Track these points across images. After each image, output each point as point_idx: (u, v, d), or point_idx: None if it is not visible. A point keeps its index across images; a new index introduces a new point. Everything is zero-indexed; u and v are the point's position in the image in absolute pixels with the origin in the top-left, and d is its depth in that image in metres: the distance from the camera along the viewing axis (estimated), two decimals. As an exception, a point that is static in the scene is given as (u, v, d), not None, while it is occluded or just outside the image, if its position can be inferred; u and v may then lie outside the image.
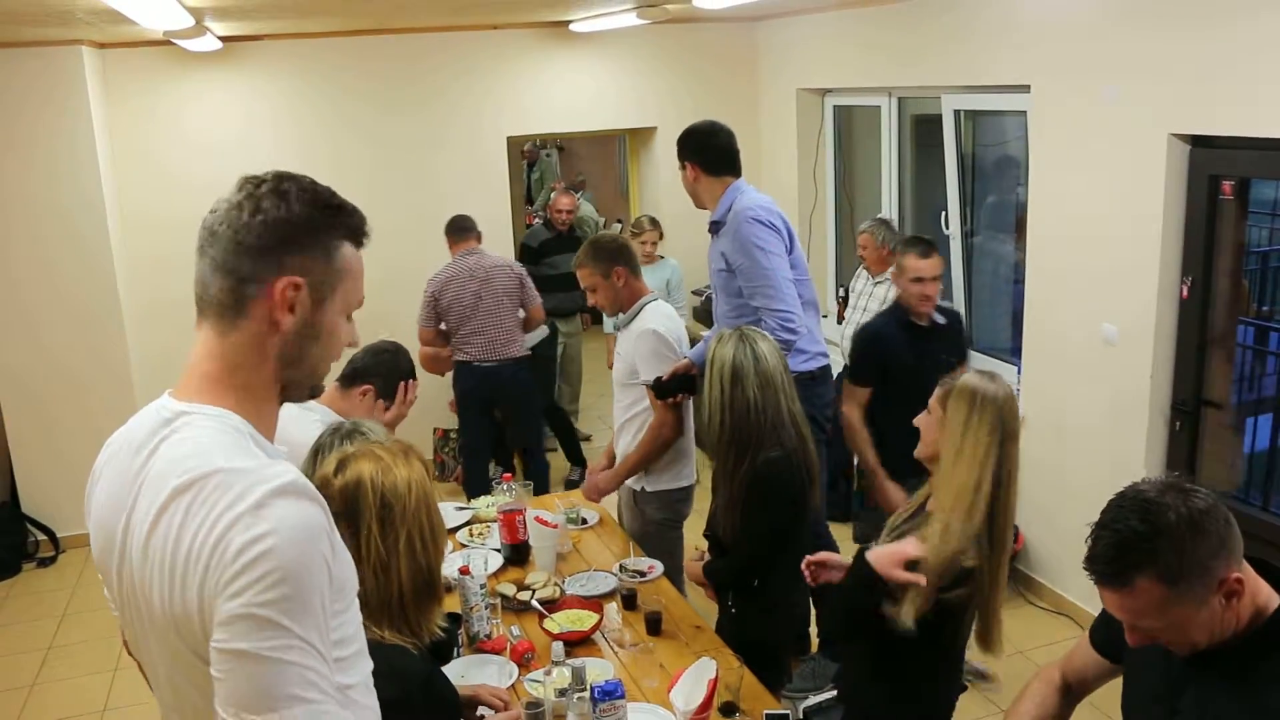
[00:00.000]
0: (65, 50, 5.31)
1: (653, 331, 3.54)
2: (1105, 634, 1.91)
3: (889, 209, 6.01)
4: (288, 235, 1.33)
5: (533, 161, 11.34)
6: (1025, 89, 4.50)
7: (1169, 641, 1.64)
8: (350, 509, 1.86)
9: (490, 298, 5.33)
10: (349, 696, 1.32)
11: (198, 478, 1.25)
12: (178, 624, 1.27)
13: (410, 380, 3.19)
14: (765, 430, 2.90)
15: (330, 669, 1.25)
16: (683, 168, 3.91)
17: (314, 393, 1.45)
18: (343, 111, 6.18)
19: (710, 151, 3.84)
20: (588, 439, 7.05)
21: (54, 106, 5.40)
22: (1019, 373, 4.84)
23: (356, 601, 1.37)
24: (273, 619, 1.19)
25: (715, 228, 3.84)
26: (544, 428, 6.14)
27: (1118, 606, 1.60)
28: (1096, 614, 1.99)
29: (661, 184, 6.87)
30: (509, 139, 6.60)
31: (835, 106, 6.41)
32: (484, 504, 3.87)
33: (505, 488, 3.41)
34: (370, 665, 1.42)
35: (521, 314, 5.49)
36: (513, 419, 5.74)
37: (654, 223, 6.22)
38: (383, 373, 3.14)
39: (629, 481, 3.77)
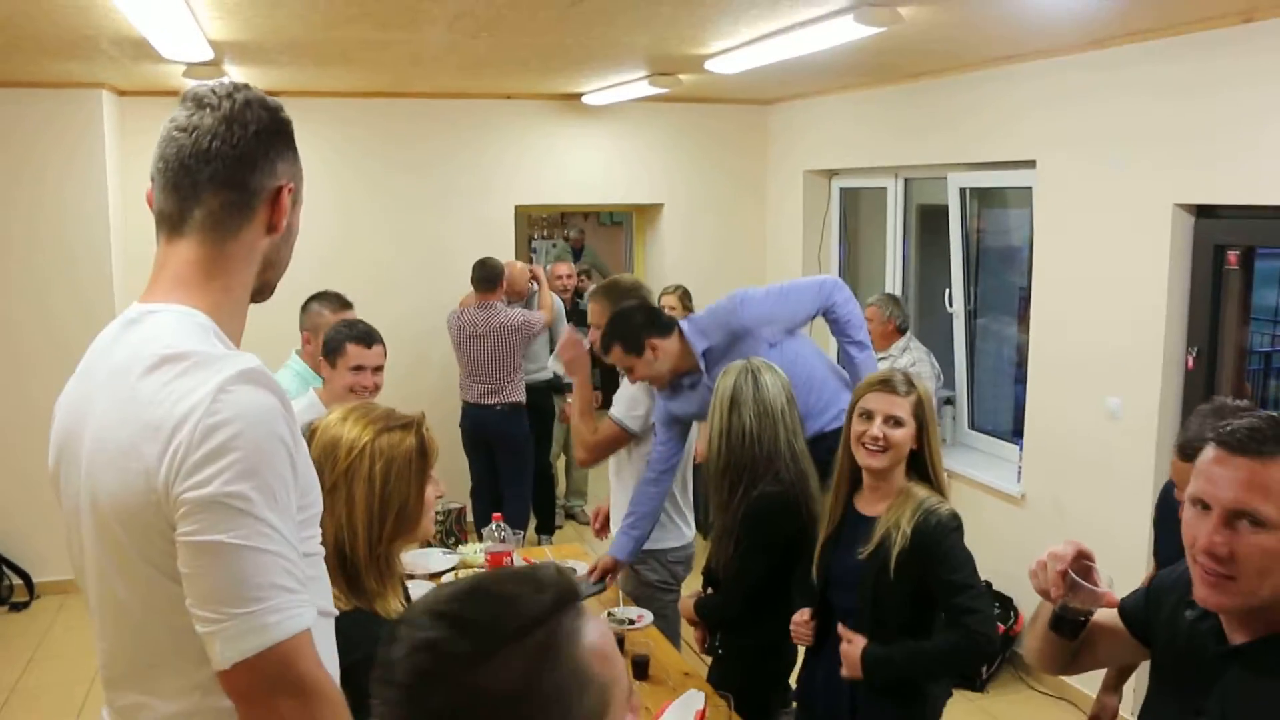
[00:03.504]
0: (86, 93, 5.41)
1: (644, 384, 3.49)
2: (1143, 608, 1.79)
3: (893, 290, 6.01)
4: (276, 142, 1.37)
5: (579, 249, 11.14)
6: (1030, 164, 4.56)
7: (1240, 574, 1.51)
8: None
9: (492, 350, 5.69)
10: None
11: (158, 361, 1.24)
12: (125, 516, 1.23)
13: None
14: (760, 460, 2.86)
15: (302, 560, 1.22)
16: (639, 352, 3.36)
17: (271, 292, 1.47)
18: (355, 171, 6.25)
19: (641, 319, 3.41)
20: (571, 513, 6.98)
21: (69, 149, 5.47)
22: (1020, 453, 4.82)
23: (319, 527, 1.34)
24: (243, 508, 1.16)
25: (706, 358, 3.46)
26: (529, 474, 6.09)
27: (1243, 482, 1.49)
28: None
29: (667, 263, 6.93)
30: (517, 208, 6.67)
31: (842, 189, 6.50)
32: (471, 550, 3.79)
33: (495, 527, 3.36)
34: (329, 602, 1.37)
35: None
36: (499, 460, 5.95)
37: (685, 295, 5.81)
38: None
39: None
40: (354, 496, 1.87)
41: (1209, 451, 1.55)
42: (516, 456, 5.93)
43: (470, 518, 6.14)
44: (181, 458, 1.18)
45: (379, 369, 3.29)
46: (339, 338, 3.29)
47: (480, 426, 5.83)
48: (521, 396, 5.86)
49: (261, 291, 1.43)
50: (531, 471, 6.11)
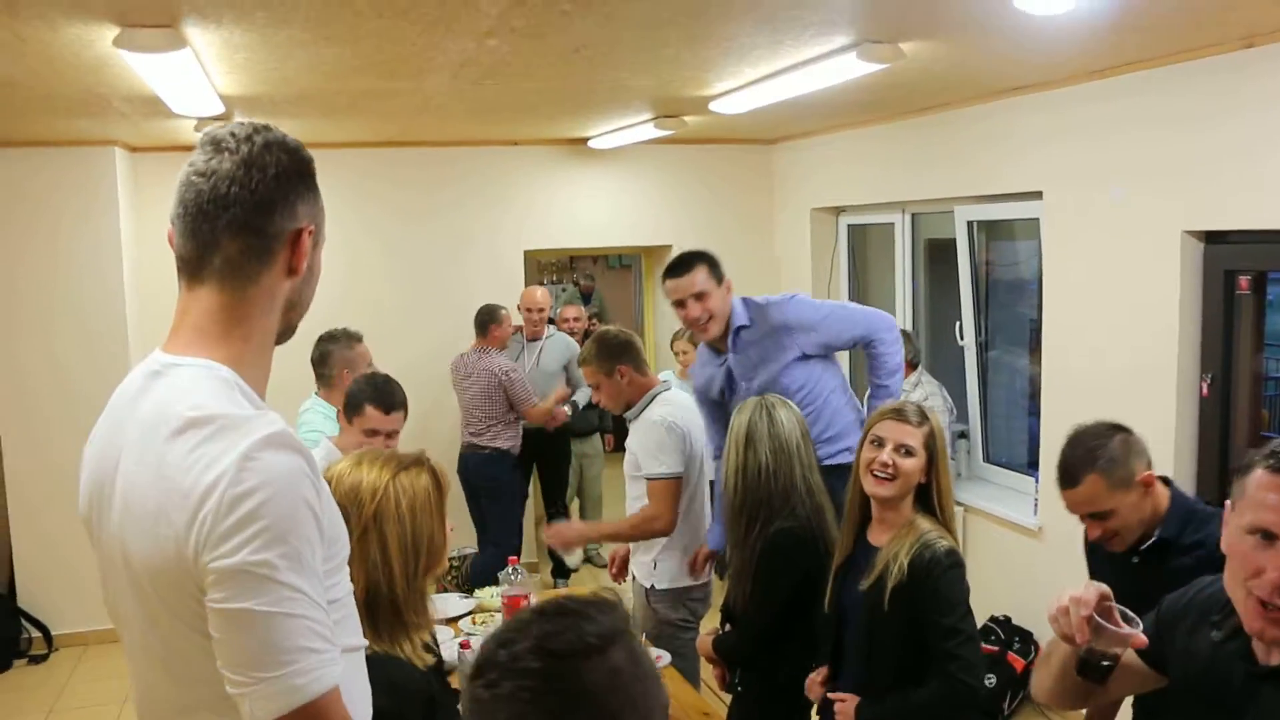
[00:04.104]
0: (99, 151, 5.48)
1: (656, 424, 3.50)
2: (1155, 636, 1.74)
3: (903, 325, 5.98)
4: (296, 184, 1.36)
5: (588, 294, 11.19)
6: (1037, 195, 4.56)
7: None
8: None
9: (478, 393, 5.80)
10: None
11: (183, 425, 1.25)
12: (155, 576, 1.24)
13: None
14: (777, 496, 2.88)
15: (329, 617, 1.24)
16: (719, 281, 3.63)
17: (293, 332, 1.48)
18: (364, 221, 6.29)
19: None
20: (589, 556, 6.91)
21: (82, 206, 5.52)
22: (1036, 485, 4.77)
23: (347, 567, 1.36)
24: (270, 575, 1.18)
25: (737, 339, 3.65)
26: (510, 525, 6.03)
27: None
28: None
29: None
30: (526, 253, 6.71)
31: (849, 225, 6.50)
32: (488, 594, 3.78)
33: (511, 571, 3.36)
34: (359, 639, 1.39)
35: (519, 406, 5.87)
36: (483, 505, 5.97)
37: (688, 335, 6.02)
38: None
39: (639, 577, 3.67)
40: (386, 536, 1.91)
41: (1262, 476, 1.48)
42: (496, 504, 5.91)
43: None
44: (210, 527, 1.19)
45: (393, 434, 3.25)
46: (360, 396, 3.26)
47: (465, 469, 5.88)
48: (509, 443, 5.84)
49: (285, 333, 1.43)
50: (514, 523, 6.04)
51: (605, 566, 5.55)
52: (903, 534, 2.49)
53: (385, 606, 1.90)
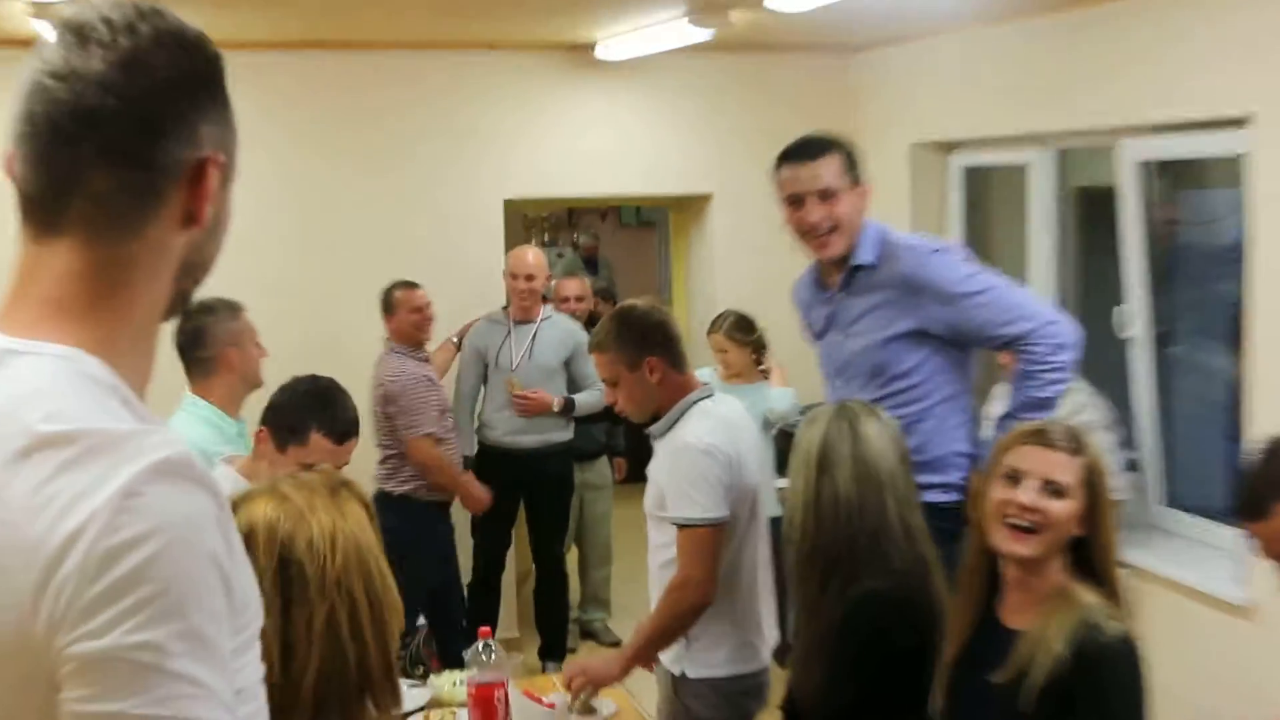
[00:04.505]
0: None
1: (691, 447, 3.46)
2: None
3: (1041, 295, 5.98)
4: (197, 95, 1.34)
5: (593, 261, 11.46)
6: (1243, 123, 4.47)
7: None
8: None
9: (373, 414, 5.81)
10: None
11: (33, 443, 1.20)
12: None
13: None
14: (861, 542, 2.88)
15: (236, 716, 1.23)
16: (858, 183, 3.68)
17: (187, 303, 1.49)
18: (275, 152, 6.13)
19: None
20: (590, 629, 7.05)
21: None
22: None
23: (258, 643, 1.33)
24: (156, 663, 1.14)
25: (851, 278, 3.67)
26: (449, 592, 6.01)
27: None
28: None
29: (717, 278, 6.89)
30: (508, 203, 6.67)
31: (965, 168, 6.44)
32: (447, 681, 3.78)
33: (481, 647, 3.30)
34: None
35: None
36: None
37: (740, 324, 5.97)
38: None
39: (665, 659, 3.62)
40: (355, 598, 1.91)
41: None
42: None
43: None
44: (70, 597, 1.15)
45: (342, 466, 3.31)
46: (302, 415, 3.32)
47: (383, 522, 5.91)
48: (409, 485, 5.74)
49: (175, 307, 1.42)
50: (454, 590, 6.03)
51: (613, 643, 5.46)
52: (1054, 610, 2.48)
53: (350, 696, 1.90)
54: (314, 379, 3.49)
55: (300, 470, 3.09)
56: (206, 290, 1.64)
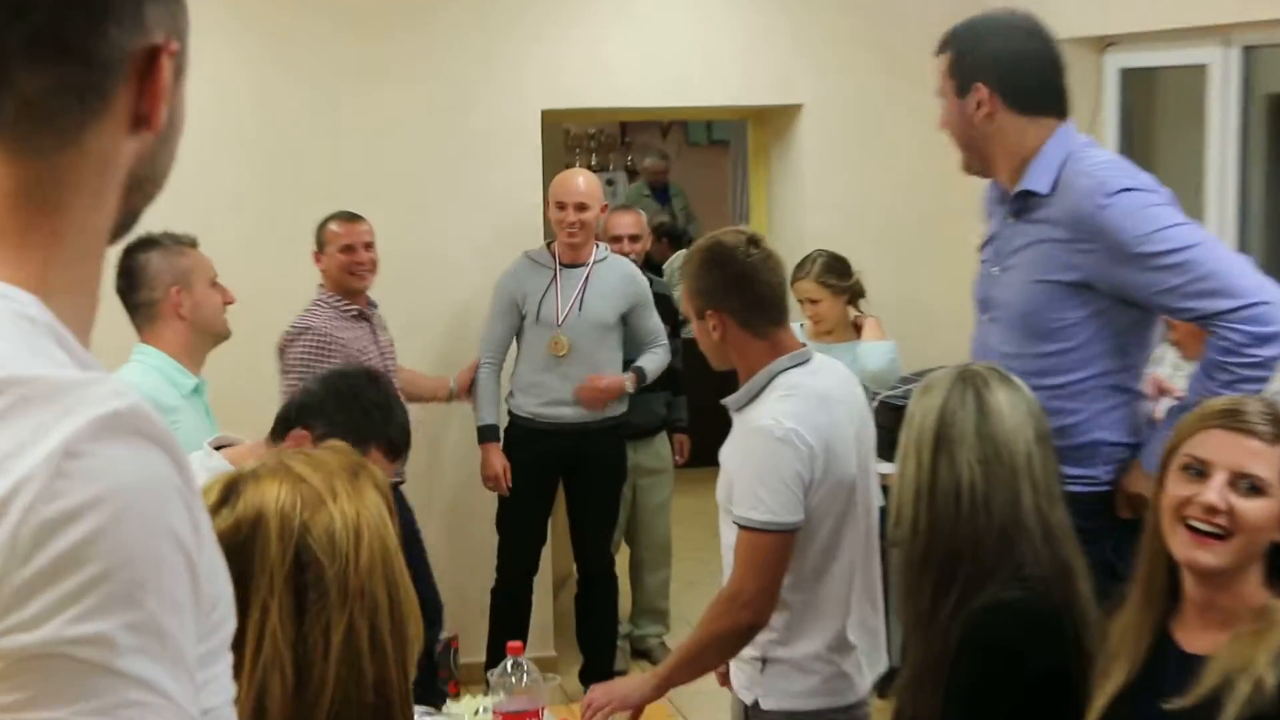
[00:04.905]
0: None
1: (766, 430, 3.42)
2: None
3: (1220, 237, 5.73)
4: None
5: (661, 186, 11.35)
6: None
7: None
8: (241, 565, 1.77)
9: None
10: None
11: None
12: None
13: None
14: (988, 542, 2.89)
15: None
16: (965, 92, 3.66)
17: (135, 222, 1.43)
18: (279, 58, 6.41)
19: (1025, 68, 3.67)
20: (643, 647, 6.98)
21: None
22: None
23: (229, 655, 1.32)
24: (104, 663, 1.12)
25: (1021, 205, 3.63)
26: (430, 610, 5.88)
27: None
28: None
29: (808, 208, 6.86)
30: (545, 114, 6.55)
31: (1123, 70, 6.30)
32: (468, 710, 3.76)
33: (509, 668, 3.26)
34: None
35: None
36: None
37: (833, 267, 5.86)
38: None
39: (738, 685, 3.63)
40: (379, 610, 1.93)
41: None
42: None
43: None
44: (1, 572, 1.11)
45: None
46: (365, 437, 3.20)
47: None
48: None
49: (123, 227, 1.42)
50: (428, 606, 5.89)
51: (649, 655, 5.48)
52: (1254, 632, 2.47)
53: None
54: (367, 375, 3.53)
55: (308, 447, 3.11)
56: (151, 218, 1.63)
